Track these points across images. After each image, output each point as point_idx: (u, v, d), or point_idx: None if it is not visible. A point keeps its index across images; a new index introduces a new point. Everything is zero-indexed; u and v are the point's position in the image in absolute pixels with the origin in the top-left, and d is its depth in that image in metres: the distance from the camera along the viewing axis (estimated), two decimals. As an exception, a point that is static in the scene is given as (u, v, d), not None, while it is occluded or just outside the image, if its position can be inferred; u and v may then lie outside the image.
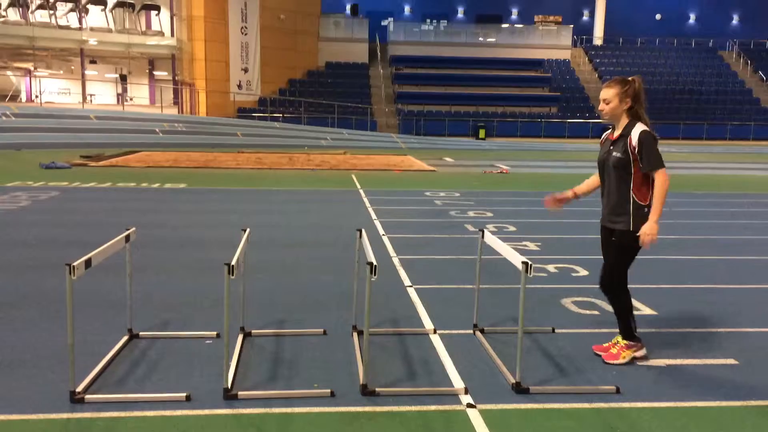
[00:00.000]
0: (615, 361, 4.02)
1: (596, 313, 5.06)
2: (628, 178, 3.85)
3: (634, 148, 3.78)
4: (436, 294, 5.56)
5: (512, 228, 8.83)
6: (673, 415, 3.38)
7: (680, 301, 5.49)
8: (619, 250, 3.95)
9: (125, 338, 4.25)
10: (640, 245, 3.85)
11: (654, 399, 3.55)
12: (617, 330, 4.12)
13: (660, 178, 3.77)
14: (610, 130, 4.04)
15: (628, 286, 4.05)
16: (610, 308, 5.17)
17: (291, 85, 38.70)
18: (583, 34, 49.15)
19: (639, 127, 3.81)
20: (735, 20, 55.92)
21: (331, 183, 14.18)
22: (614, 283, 4.01)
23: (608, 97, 3.86)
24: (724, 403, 3.52)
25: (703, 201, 12.38)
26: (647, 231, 3.77)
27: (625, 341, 4.07)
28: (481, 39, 44.89)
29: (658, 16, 55.14)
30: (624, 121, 3.88)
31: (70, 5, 30.08)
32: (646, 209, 3.84)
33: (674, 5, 55.38)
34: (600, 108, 3.93)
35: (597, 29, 50.43)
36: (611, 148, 3.92)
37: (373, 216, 9.68)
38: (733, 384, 3.77)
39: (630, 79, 3.88)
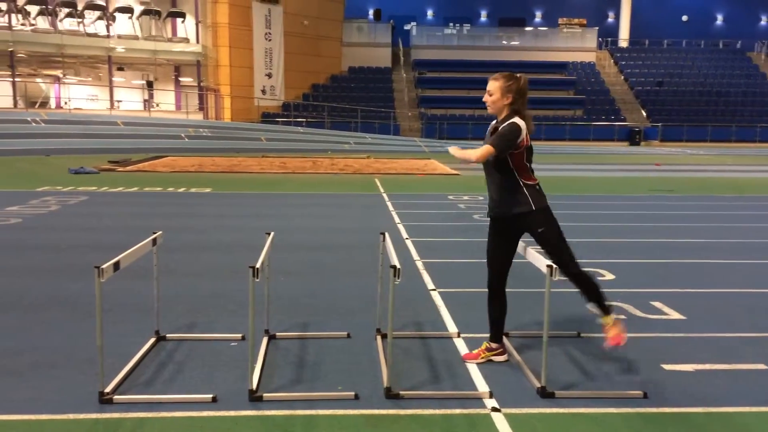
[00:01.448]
0: (610, 335, 3.90)
1: (622, 317, 5.00)
2: (508, 167, 3.86)
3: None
4: (459, 297, 5.54)
5: (536, 231, 8.77)
6: (701, 420, 3.33)
7: (708, 306, 5.40)
8: (547, 234, 3.90)
9: (152, 340, 4.31)
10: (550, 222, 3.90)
11: (681, 404, 3.50)
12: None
13: (484, 148, 3.73)
14: (494, 122, 4.02)
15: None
16: (637, 312, 5.14)
17: (314, 90, 38.92)
18: (608, 36, 48.69)
19: (511, 120, 3.82)
20: (763, 21, 54.98)
21: (355, 187, 14.22)
22: (570, 272, 3.92)
23: (492, 89, 3.89)
24: (754, 409, 3.46)
25: (732, 204, 12.19)
26: (456, 149, 3.80)
27: (606, 318, 3.94)
28: (504, 42, 44.76)
29: (684, 18, 54.42)
30: (504, 114, 3.89)
31: (97, 13, 30.61)
32: (537, 186, 3.94)
33: (701, 6, 54.63)
34: (484, 99, 3.95)
35: (622, 31, 49.91)
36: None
37: (397, 219, 9.69)
38: (762, 389, 3.71)
39: (517, 75, 3.90)
